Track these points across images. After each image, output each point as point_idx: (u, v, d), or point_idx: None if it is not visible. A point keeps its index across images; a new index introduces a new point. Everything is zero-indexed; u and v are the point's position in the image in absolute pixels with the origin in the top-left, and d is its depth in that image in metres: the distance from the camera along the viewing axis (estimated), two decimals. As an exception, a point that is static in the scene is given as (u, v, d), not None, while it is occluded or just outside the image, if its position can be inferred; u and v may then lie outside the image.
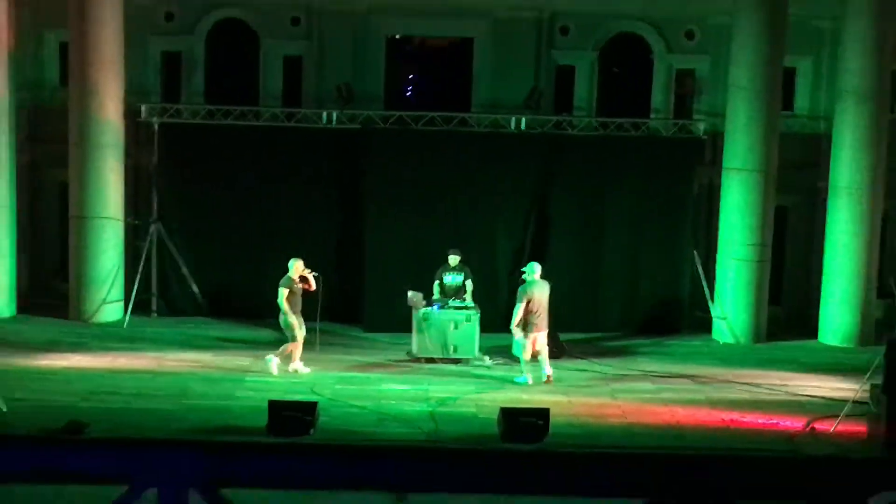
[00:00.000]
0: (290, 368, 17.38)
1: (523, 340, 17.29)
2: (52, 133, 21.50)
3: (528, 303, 17.28)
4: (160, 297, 21.36)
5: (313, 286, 17.51)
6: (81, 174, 20.68)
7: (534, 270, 17.61)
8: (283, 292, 17.27)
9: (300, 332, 17.35)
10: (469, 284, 18.89)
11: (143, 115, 21.21)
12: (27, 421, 14.61)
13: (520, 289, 17.52)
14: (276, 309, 17.44)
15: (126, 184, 21.24)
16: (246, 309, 20.91)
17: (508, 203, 21.11)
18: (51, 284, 22.33)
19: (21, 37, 21.15)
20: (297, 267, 17.45)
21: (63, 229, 21.59)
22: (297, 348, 17.40)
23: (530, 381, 17.32)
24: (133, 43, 21.40)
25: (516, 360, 17.69)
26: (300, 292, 17.41)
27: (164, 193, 21.24)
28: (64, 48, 21.44)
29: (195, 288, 21.14)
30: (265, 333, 20.08)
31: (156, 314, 21.26)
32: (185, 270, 21.03)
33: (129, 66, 21.21)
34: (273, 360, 17.28)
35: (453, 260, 18.92)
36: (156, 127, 21.11)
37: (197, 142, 21.29)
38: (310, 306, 17.75)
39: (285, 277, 17.46)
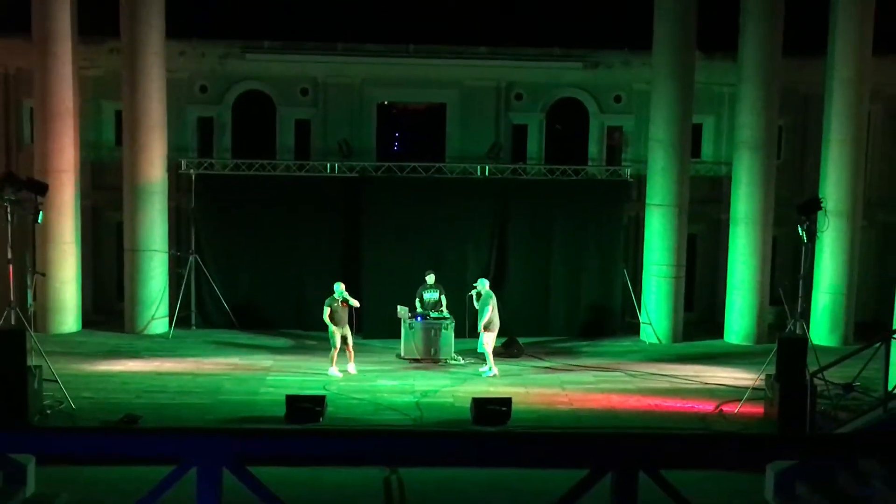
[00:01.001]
0: (328, 371, 17.20)
1: (489, 338, 17.33)
2: (110, 182, 21.44)
3: (493, 308, 17.35)
4: (198, 313, 21.26)
5: (353, 303, 17.37)
6: (133, 215, 20.64)
7: (485, 284, 17.63)
8: (326, 310, 17.20)
9: (338, 342, 17.14)
10: (443, 299, 18.87)
11: (183, 167, 21.16)
12: (91, 415, 14.54)
13: (485, 296, 17.47)
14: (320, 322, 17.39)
15: (169, 223, 21.19)
16: (267, 321, 20.92)
17: (475, 233, 21.10)
18: (110, 305, 22.19)
19: (84, 106, 21.11)
20: (341, 288, 17.31)
21: (119, 260, 21.49)
22: (334, 355, 17.20)
23: (495, 373, 17.30)
24: (174, 110, 21.42)
25: (481, 356, 17.67)
26: (340, 309, 17.25)
27: (200, 230, 21.18)
28: (118, 114, 21.36)
29: (226, 305, 21.02)
30: (282, 341, 20.08)
31: (195, 327, 21.14)
32: (217, 291, 20.92)
33: (171, 128, 21.22)
34: (331, 370, 17.18)
35: (429, 279, 18.90)
36: (193, 177, 21.06)
37: (226, 189, 21.20)
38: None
39: (329, 297, 17.34)
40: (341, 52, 22.21)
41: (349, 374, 17.24)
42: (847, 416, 13.77)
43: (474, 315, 18.17)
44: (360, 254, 20.87)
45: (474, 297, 17.87)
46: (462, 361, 18.42)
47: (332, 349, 17.14)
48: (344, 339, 17.22)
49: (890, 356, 13.00)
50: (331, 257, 21.13)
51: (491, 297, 17.55)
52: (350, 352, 17.36)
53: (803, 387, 14.24)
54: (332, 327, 17.10)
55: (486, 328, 17.37)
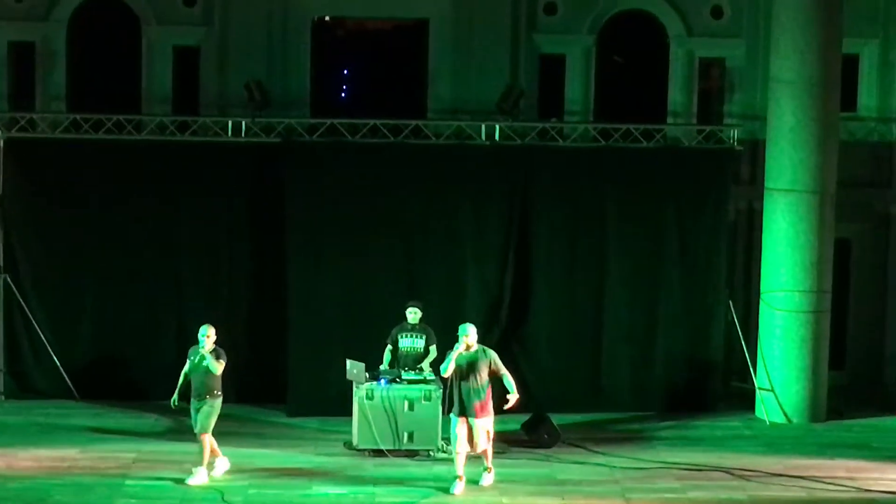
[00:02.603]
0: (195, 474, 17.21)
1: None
2: None
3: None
4: (8, 373, 21.21)
5: (212, 366, 17.19)
6: None
7: (471, 332, 17.05)
8: (186, 370, 17.32)
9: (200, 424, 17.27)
10: (433, 350, 18.81)
11: (-14, 128, 21.18)
12: None
13: (494, 354, 17.16)
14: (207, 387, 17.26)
15: (-40, 221, 21.13)
16: (125, 386, 20.87)
17: (480, 239, 21.18)
18: None
19: None
20: (208, 338, 17.22)
21: None
22: (208, 448, 17.30)
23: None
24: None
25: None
26: (195, 369, 17.34)
27: (12, 232, 21.19)
28: None
29: (56, 360, 20.94)
30: (150, 420, 19.97)
31: (3, 397, 21.11)
32: (42, 337, 20.85)
33: (-35, 62, 21.17)
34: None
35: (413, 317, 18.86)
36: (1, 143, 21.07)
37: (58, 162, 21.19)
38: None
39: (192, 349, 17.34)
40: (250, -71, 22.40)
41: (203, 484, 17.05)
42: None
43: None
44: (283, 273, 20.91)
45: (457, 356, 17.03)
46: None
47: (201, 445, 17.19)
48: (195, 420, 17.20)
49: None
50: (233, 280, 21.32)
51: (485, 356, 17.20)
52: (204, 445, 17.18)
53: None
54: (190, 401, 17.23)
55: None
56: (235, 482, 17.11)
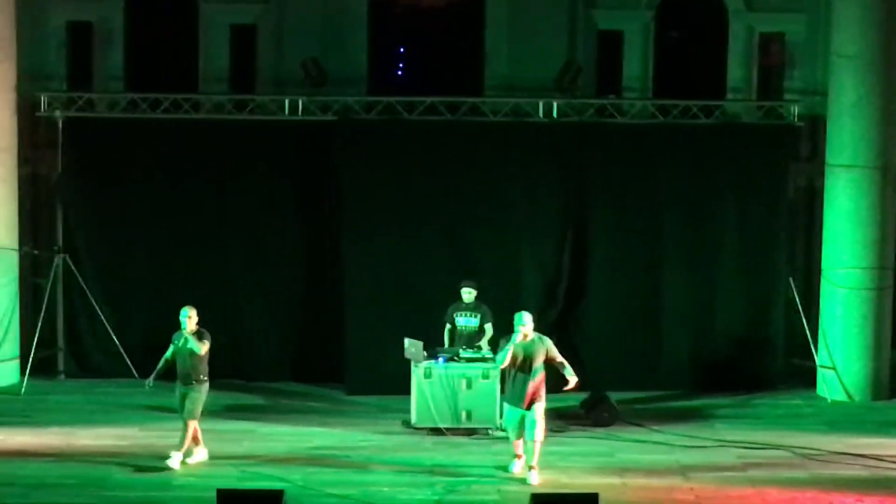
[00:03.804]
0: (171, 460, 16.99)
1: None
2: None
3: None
4: (69, 353, 21.43)
5: (196, 347, 16.90)
6: (-40, 188, 20.83)
7: (528, 321, 16.81)
8: (169, 353, 17.12)
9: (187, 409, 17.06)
10: (488, 328, 18.88)
11: (43, 108, 21.37)
12: None
13: (550, 341, 16.91)
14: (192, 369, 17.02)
15: (20, 200, 21.36)
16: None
17: (536, 218, 21.23)
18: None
19: None
20: (189, 318, 16.97)
21: (-63, 264, 21.65)
22: (190, 432, 17.12)
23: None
24: (28, 12, 21.60)
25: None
26: (179, 353, 17.11)
27: (71, 212, 21.40)
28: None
29: (116, 340, 21.18)
30: (209, 398, 20.06)
31: (63, 376, 21.34)
32: (102, 316, 21.06)
33: (23, 43, 21.37)
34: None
35: (467, 295, 18.97)
36: (59, 123, 21.23)
37: (116, 142, 21.36)
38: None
39: (176, 333, 17.13)
40: None
41: (172, 473, 16.80)
42: None
43: None
44: (340, 253, 21.06)
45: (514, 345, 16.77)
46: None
47: (185, 425, 17.00)
48: (182, 406, 17.04)
49: None
50: (290, 258, 21.43)
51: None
52: (187, 431, 16.98)
53: None
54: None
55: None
56: (294, 461, 17.21)
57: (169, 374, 17.15)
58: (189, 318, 16.81)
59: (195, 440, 17.08)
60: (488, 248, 20.94)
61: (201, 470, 16.74)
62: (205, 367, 16.98)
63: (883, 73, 20.58)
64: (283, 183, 21.32)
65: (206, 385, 17.02)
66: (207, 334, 16.93)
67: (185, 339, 16.83)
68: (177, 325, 16.93)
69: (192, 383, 16.86)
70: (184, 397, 16.90)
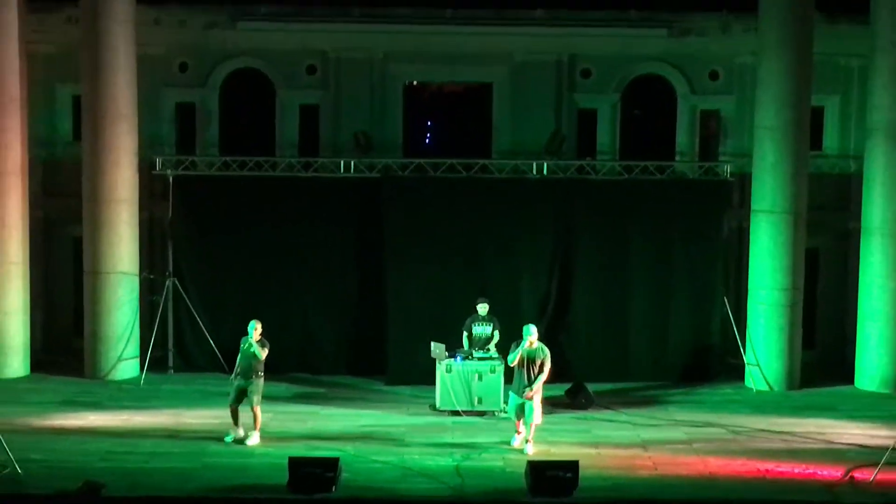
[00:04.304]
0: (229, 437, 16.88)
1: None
2: (66, 188, 21.69)
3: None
4: (177, 352, 21.41)
5: (257, 352, 16.77)
6: (95, 229, 20.82)
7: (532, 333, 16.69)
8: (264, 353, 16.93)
9: (233, 397, 16.89)
10: (497, 335, 18.88)
11: (158, 167, 21.34)
12: (43, 482, 14.60)
13: (548, 352, 16.72)
14: (252, 368, 16.84)
15: (140, 238, 21.39)
16: (264, 363, 20.85)
17: (532, 250, 21.14)
18: (65, 342, 22.38)
19: (33, 90, 21.37)
20: (256, 330, 16.85)
21: (77, 285, 21.67)
22: (233, 409, 16.95)
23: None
24: (146, 94, 21.68)
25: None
26: (244, 356, 16.86)
27: (179, 247, 21.37)
28: (77, 101, 21.60)
29: (213, 343, 21.10)
30: (283, 388, 20.11)
31: (172, 371, 21.28)
32: (202, 325, 21.02)
33: (143, 118, 21.42)
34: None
35: (482, 309, 18.93)
36: (170, 179, 21.23)
37: (212, 194, 21.38)
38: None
39: (244, 338, 16.93)
40: (358, 18, 22.40)
41: (253, 447, 16.65)
42: None
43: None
44: (383, 276, 20.98)
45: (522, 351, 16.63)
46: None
47: (234, 412, 16.83)
48: (247, 397, 16.78)
49: None
50: (345, 281, 21.37)
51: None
52: (256, 417, 16.87)
53: (960, 447, 14.02)
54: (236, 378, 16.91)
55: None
56: (347, 436, 17.18)
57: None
58: (255, 330, 16.77)
59: (236, 422, 16.91)
60: (497, 274, 20.84)
61: (276, 442, 16.72)
62: (261, 366, 16.84)
63: (794, 142, 20.56)
64: (339, 224, 21.23)
65: (262, 379, 16.87)
66: (267, 343, 16.88)
67: (250, 344, 16.74)
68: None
69: (251, 378, 16.74)
70: (244, 389, 16.71)
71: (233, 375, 17.01)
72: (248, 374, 16.78)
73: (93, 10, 20.42)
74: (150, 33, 21.66)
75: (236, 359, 17.00)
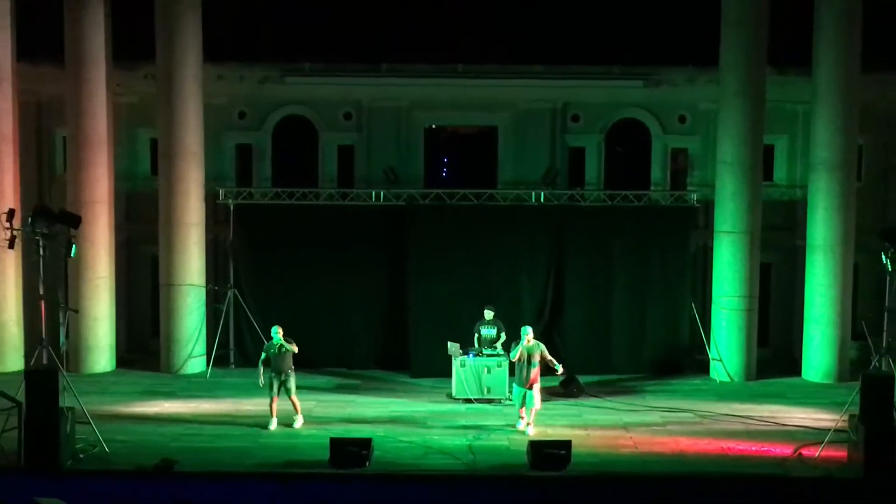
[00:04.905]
0: (271, 426, 16.69)
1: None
2: (145, 214, 21.73)
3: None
4: (237, 351, 21.37)
5: (290, 348, 16.78)
6: (169, 248, 20.89)
7: (528, 333, 16.82)
8: (263, 356, 16.85)
9: (274, 391, 16.72)
10: (502, 336, 18.81)
11: (221, 197, 21.39)
12: (125, 459, 14.65)
13: (543, 346, 16.89)
14: (287, 364, 16.77)
15: (207, 255, 21.40)
16: (309, 359, 20.43)
17: (531, 264, 21.06)
18: (144, 343, 22.42)
19: (118, 133, 21.48)
20: (279, 334, 16.82)
21: (154, 296, 21.74)
22: (271, 405, 16.80)
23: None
24: (211, 137, 21.69)
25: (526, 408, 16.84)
26: (278, 356, 16.75)
27: (238, 263, 21.36)
28: (154, 143, 21.66)
29: (265, 342, 20.99)
30: (324, 380, 20.14)
31: (233, 366, 21.24)
32: (257, 328, 20.91)
33: (209, 156, 21.48)
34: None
35: (488, 314, 18.87)
36: (231, 207, 21.28)
37: (266, 219, 21.37)
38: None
39: (268, 343, 16.92)
40: (386, 73, 22.38)
41: (298, 430, 16.62)
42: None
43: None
44: (407, 287, 20.95)
45: (522, 347, 16.70)
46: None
47: (270, 398, 16.70)
48: (286, 389, 16.73)
49: None
50: (376, 290, 21.31)
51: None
52: (295, 404, 16.81)
53: (891, 429, 13.97)
54: (263, 377, 16.77)
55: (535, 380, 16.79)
56: (378, 420, 17.20)
57: (296, 362, 17.18)
58: (279, 332, 16.73)
59: (297, 410, 16.87)
60: (502, 284, 20.75)
61: (319, 425, 16.72)
62: (291, 362, 16.77)
63: (749, 174, 20.55)
64: (371, 244, 21.20)
65: (293, 372, 16.82)
66: (293, 340, 16.83)
67: (281, 344, 16.67)
68: (302, 334, 16.99)
69: (287, 373, 16.69)
70: (282, 383, 16.62)
71: (267, 374, 16.77)
72: (284, 370, 16.71)
73: (167, 68, 20.53)
74: (214, 87, 21.72)
75: (260, 364, 16.88)
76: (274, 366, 16.77)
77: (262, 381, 16.86)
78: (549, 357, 16.76)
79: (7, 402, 13.98)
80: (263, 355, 16.96)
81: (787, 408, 18.32)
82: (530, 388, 16.51)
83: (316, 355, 20.76)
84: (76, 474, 13.70)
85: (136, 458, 14.65)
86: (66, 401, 14.74)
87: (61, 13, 20.30)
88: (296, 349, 16.79)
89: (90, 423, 15.32)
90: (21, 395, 14.32)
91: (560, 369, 16.87)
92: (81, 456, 14.71)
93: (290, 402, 16.83)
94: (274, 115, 22.73)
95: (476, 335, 18.88)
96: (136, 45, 20.93)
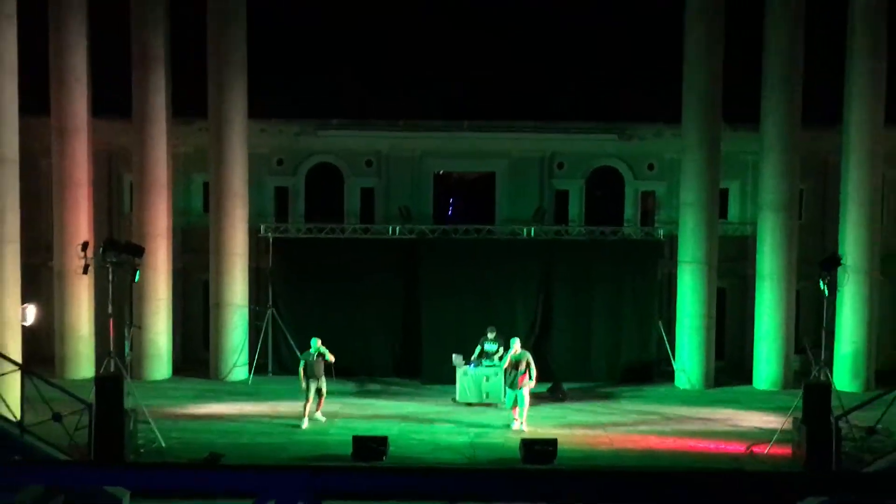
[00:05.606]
0: (302, 424, 16.57)
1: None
2: (198, 246, 21.76)
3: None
4: (275, 361, 21.30)
5: (329, 358, 16.77)
6: (218, 274, 20.89)
7: (516, 343, 16.94)
8: (302, 363, 16.80)
9: (310, 395, 16.61)
10: (501, 350, 18.68)
11: (262, 231, 21.42)
12: (179, 453, 14.62)
13: (529, 355, 16.87)
14: (322, 371, 16.75)
15: (249, 281, 21.37)
16: (336, 368, 20.65)
17: (523, 289, 21.01)
18: (197, 354, 22.38)
19: (176, 178, 21.57)
20: (317, 344, 16.77)
21: (205, 314, 21.70)
22: (305, 406, 16.65)
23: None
24: (254, 181, 21.77)
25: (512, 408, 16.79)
26: (315, 363, 16.68)
27: (276, 287, 21.32)
28: (205, 185, 21.71)
29: (299, 353, 20.93)
30: (349, 386, 20.07)
31: (271, 373, 21.19)
32: (291, 341, 20.92)
33: (252, 197, 21.53)
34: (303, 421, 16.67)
35: (491, 333, 18.71)
36: (270, 239, 21.30)
37: (300, 250, 21.38)
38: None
39: (305, 352, 16.90)
40: (402, 127, 22.46)
41: (320, 422, 16.55)
42: (871, 457, 13.40)
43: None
44: (419, 307, 20.89)
45: (511, 356, 16.79)
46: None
47: (307, 401, 16.59)
48: (318, 391, 16.63)
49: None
50: (393, 310, 21.24)
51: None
52: (321, 401, 16.73)
53: (828, 430, 13.91)
54: (304, 381, 16.59)
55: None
56: (394, 420, 17.12)
57: (335, 372, 17.13)
58: (318, 343, 16.71)
59: (318, 407, 16.77)
60: (499, 305, 20.65)
61: (343, 424, 16.63)
62: (323, 369, 16.71)
63: (707, 213, 20.55)
64: (388, 271, 21.16)
65: (325, 378, 16.76)
66: (328, 350, 16.78)
67: (320, 351, 16.63)
68: (331, 347, 16.87)
69: (322, 377, 16.66)
70: (318, 388, 16.55)
71: (308, 380, 16.63)
72: (318, 374, 16.68)
73: (217, 123, 20.64)
74: (257, 139, 21.78)
75: (299, 369, 16.78)
76: (310, 371, 16.69)
77: (303, 385, 16.67)
78: (532, 365, 16.61)
79: (80, 403, 13.94)
80: (302, 362, 16.87)
81: (740, 411, 18.22)
82: (520, 388, 16.48)
83: (342, 364, 20.58)
84: (137, 466, 13.67)
85: (188, 452, 14.62)
86: (129, 403, 14.72)
87: (129, 76, 20.45)
88: (332, 358, 16.74)
89: (150, 422, 15.28)
90: (92, 398, 14.30)
91: (532, 383, 16.60)
92: (142, 450, 14.71)
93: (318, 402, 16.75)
94: (307, 162, 22.80)
95: (480, 348, 18.76)
96: (191, 103, 21.02)
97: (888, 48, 19.85)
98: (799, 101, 20.12)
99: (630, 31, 22.04)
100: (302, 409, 16.70)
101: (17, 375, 13.62)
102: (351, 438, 14.68)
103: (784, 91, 20.05)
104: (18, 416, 12.81)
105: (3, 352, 14.40)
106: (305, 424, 16.59)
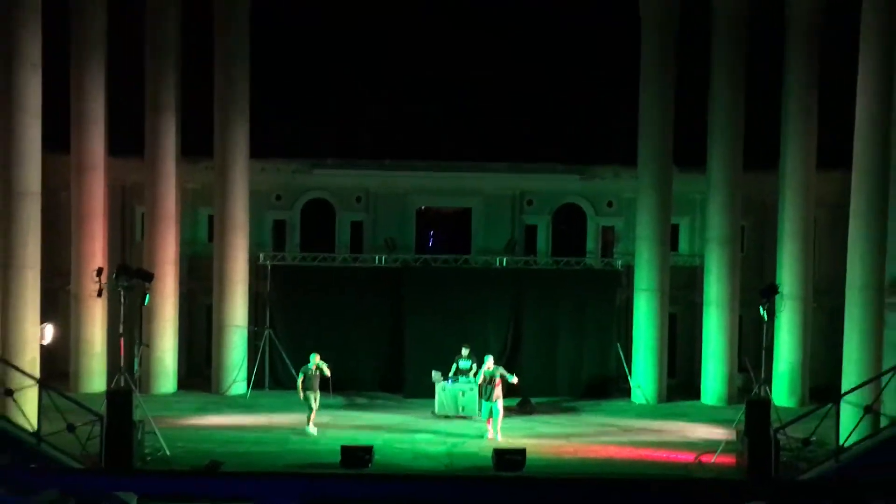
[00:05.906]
0: (307, 429, 16.47)
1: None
2: (203, 272, 21.64)
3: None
4: (271, 377, 21.10)
5: (326, 372, 16.68)
6: (221, 299, 20.74)
7: (490, 360, 16.96)
8: (300, 377, 16.65)
9: (314, 405, 16.51)
10: (475, 367, 18.65)
11: (261, 260, 21.34)
12: (183, 461, 14.44)
13: (502, 369, 16.91)
14: (320, 384, 16.56)
15: (249, 304, 21.24)
16: (326, 383, 20.66)
17: (496, 312, 20.97)
18: (199, 370, 22.16)
19: (184, 211, 21.53)
20: (316, 359, 16.67)
21: (208, 334, 21.52)
22: (312, 416, 16.54)
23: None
24: (255, 214, 21.69)
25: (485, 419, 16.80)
26: (314, 377, 16.56)
27: (273, 310, 21.19)
28: (210, 218, 21.67)
29: (293, 370, 20.83)
30: (339, 400, 19.90)
31: (268, 388, 20.97)
32: (287, 359, 20.74)
33: (252, 229, 21.45)
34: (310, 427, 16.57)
35: (465, 351, 18.69)
36: (269, 267, 21.21)
37: (296, 277, 21.28)
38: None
39: (304, 367, 16.74)
40: (389, 167, 22.50)
41: (311, 434, 16.37)
42: (805, 465, 13.47)
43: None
44: (403, 329, 20.82)
45: (484, 372, 16.80)
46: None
47: (310, 411, 16.46)
48: (317, 402, 16.55)
49: (840, 415, 12.88)
50: (378, 332, 21.14)
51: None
52: (313, 414, 16.49)
53: (768, 441, 13.97)
54: (303, 393, 16.43)
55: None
56: (379, 430, 16.98)
57: (327, 387, 17.01)
58: (316, 357, 16.58)
59: (311, 420, 16.62)
60: (474, 327, 20.48)
61: (333, 435, 16.47)
62: (318, 383, 16.55)
63: (660, 246, 20.68)
64: (376, 296, 21.07)
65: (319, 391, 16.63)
66: (327, 365, 16.67)
67: (318, 366, 16.50)
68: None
69: (317, 391, 16.52)
70: (315, 398, 16.40)
71: (306, 391, 16.55)
72: (315, 388, 16.55)
73: (222, 162, 20.62)
74: (258, 176, 21.72)
75: (297, 382, 16.62)
76: (308, 384, 16.56)
77: (301, 395, 16.51)
78: (506, 374, 16.61)
79: (93, 415, 13.77)
80: (301, 376, 16.69)
81: (690, 424, 18.22)
82: (494, 401, 16.43)
83: (332, 380, 20.44)
84: (144, 473, 13.50)
85: (191, 460, 14.44)
86: (137, 415, 14.55)
87: (143, 119, 20.42)
88: (328, 372, 16.64)
89: (156, 432, 15.10)
90: (103, 410, 14.13)
91: (515, 380, 16.65)
92: (149, 458, 14.52)
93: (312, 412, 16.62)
94: (302, 197, 22.77)
95: (455, 366, 18.69)
96: (199, 143, 20.98)
97: (819, 103, 20.15)
98: (741, 147, 20.35)
99: (592, 83, 22.26)
100: (306, 419, 16.55)
101: (35, 389, 13.45)
102: (339, 448, 14.56)
103: (727, 138, 20.28)
104: (36, 427, 12.63)
105: (23, 367, 14.23)
106: (315, 431, 16.42)
